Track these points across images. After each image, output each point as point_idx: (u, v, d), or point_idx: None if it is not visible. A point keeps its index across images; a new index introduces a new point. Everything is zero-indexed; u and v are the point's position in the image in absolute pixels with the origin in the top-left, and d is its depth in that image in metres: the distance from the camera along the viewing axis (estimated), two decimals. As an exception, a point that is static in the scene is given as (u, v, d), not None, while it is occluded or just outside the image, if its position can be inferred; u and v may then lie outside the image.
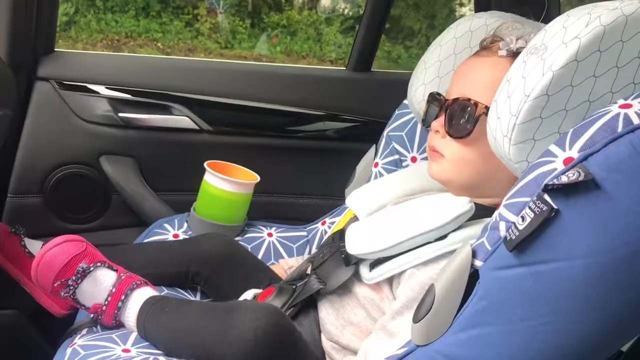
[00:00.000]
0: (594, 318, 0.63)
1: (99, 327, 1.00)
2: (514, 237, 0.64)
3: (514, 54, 0.88)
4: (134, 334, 0.97)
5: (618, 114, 0.62)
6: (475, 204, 0.86)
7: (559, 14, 0.74)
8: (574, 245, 0.61)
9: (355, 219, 1.07)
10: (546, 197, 0.62)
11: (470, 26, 1.08)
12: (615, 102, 0.65)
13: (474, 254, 0.70)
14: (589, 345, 0.65)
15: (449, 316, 0.70)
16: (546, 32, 0.72)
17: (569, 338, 0.64)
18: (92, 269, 0.98)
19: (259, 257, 1.27)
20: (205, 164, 1.33)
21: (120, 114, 1.49)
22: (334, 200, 1.47)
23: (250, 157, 1.48)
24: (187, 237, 1.30)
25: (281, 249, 1.33)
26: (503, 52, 0.90)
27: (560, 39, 0.69)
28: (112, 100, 1.49)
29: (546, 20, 0.77)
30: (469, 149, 0.90)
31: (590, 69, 0.68)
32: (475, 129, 0.88)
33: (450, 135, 0.92)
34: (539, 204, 0.63)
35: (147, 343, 0.95)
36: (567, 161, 0.63)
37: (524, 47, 0.81)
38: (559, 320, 0.64)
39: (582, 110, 0.69)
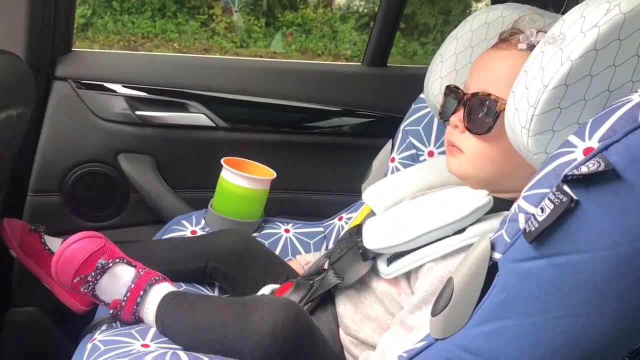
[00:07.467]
0: (616, 310, 0.62)
1: (118, 322, 1.01)
2: (533, 229, 0.64)
3: (534, 47, 0.86)
4: (153, 329, 0.97)
5: (639, 103, 0.61)
6: (494, 197, 0.85)
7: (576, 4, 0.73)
8: (594, 236, 0.61)
9: (372, 214, 1.06)
10: (566, 188, 0.62)
11: (486, 18, 1.07)
12: (636, 91, 0.64)
13: (493, 246, 0.70)
14: (611, 338, 0.64)
15: (468, 309, 0.70)
16: (564, 22, 0.71)
17: (590, 330, 0.63)
18: (111, 265, 0.99)
19: (276, 253, 1.27)
20: (222, 161, 1.33)
21: (138, 112, 1.50)
22: (351, 195, 1.46)
23: (267, 153, 1.48)
24: (204, 233, 1.30)
25: (298, 245, 1.33)
26: (523, 46, 0.89)
27: (578, 28, 0.68)
28: (129, 98, 1.50)
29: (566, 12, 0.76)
30: (489, 144, 0.89)
31: (610, 58, 0.67)
32: (495, 125, 0.87)
33: (470, 131, 0.91)
34: (558, 194, 0.62)
35: (165, 338, 0.95)
36: (587, 151, 0.62)
37: (544, 40, 0.80)
38: (580, 312, 0.63)
39: (601, 100, 0.68)
